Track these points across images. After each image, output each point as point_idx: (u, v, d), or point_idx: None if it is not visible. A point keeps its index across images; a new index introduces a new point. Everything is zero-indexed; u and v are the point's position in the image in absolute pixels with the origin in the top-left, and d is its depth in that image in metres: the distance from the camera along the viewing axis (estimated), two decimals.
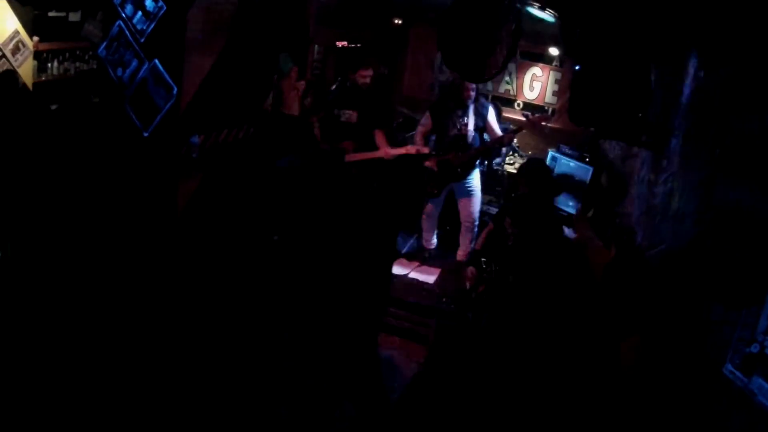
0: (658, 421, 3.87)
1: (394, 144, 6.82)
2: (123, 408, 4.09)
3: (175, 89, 5.24)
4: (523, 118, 7.85)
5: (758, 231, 3.22)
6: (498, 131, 6.69)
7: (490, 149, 7.40)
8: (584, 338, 4.57)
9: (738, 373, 3.09)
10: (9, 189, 5.22)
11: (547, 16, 4.85)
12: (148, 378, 4.34)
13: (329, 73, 9.49)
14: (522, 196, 5.22)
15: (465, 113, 6.53)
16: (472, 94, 6.46)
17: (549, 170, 5.27)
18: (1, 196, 5.16)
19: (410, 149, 6.46)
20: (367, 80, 6.25)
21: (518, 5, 4.59)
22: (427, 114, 6.81)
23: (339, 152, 6.31)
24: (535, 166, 5.42)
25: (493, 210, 7.34)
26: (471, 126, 6.52)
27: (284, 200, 6.91)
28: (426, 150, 6.45)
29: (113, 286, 5.06)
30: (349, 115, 6.38)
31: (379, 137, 6.47)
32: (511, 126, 7.39)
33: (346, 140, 6.37)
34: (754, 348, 3.00)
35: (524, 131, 7.36)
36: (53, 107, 7.49)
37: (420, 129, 6.88)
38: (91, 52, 8.25)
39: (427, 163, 6.67)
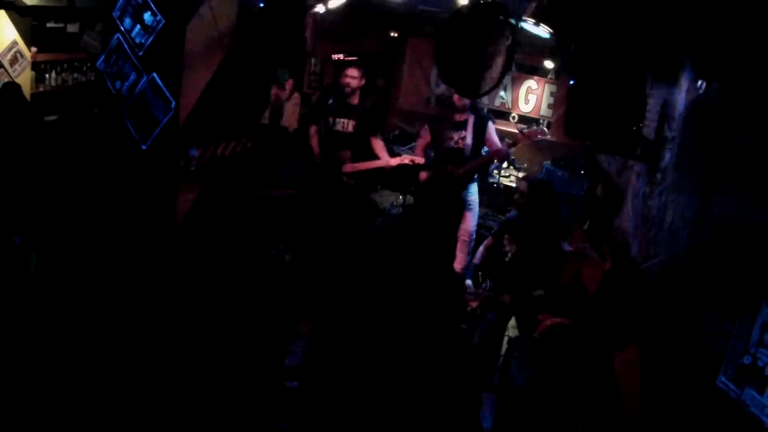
0: None
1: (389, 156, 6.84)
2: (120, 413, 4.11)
3: (174, 102, 5.27)
4: (517, 131, 7.91)
5: (752, 243, 3.25)
6: (498, 144, 6.70)
7: (486, 163, 7.43)
8: (580, 350, 4.58)
9: (731, 385, 3.11)
10: (10, 198, 5.25)
11: (541, 31, 4.89)
12: (145, 388, 4.34)
13: (326, 85, 9.56)
14: (522, 217, 5.23)
15: (463, 127, 6.55)
16: (466, 105, 6.48)
17: (551, 192, 5.26)
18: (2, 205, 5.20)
19: (405, 159, 6.49)
20: (349, 80, 6.26)
21: (514, 20, 4.63)
22: (426, 127, 6.83)
23: (336, 163, 6.33)
24: (539, 190, 5.34)
25: (490, 222, 7.36)
26: (468, 140, 6.53)
27: (284, 214, 6.94)
28: (421, 160, 6.48)
29: (112, 297, 5.07)
30: (345, 123, 6.40)
31: (378, 146, 6.49)
32: (507, 140, 7.44)
33: (343, 149, 6.39)
34: (747, 360, 3.01)
35: (520, 144, 7.38)
36: (53, 118, 7.53)
37: (420, 142, 6.90)
38: (89, 64, 8.30)
39: (423, 174, 6.69)
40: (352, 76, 6.26)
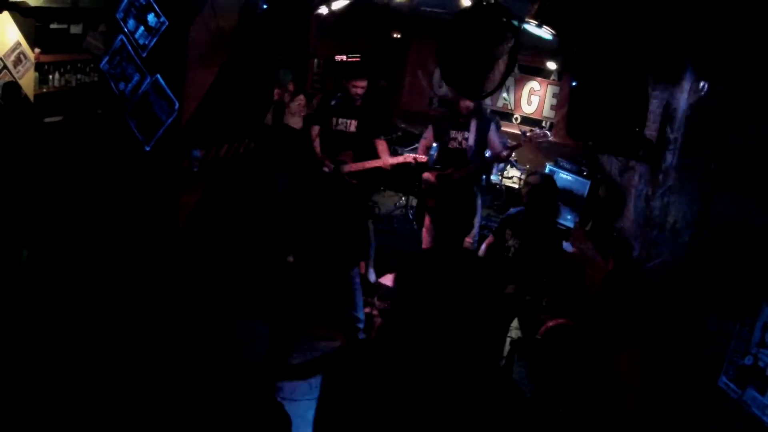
0: None
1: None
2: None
3: (177, 104, 5.28)
4: (520, 132, 7.89)
5: (753, 243, 3.26)
6: (499, 147, 6.69)
7: (489, 165, 7.43)
8: (582, 349, 4.60)
9: (732, 385, 3.12)
10: (11, 199, 5.27)
11: (544, 33, 4.90)
12: (145, 391, 4.35)
13: (329, 86, 9.57)
14: (525, 210, 5.25)
15: (466, 128, 6.54)
16: (470, 106, 6.48)
17: (556, 188, 5.29)
18: (4, 206, 5.20)
19: (408, 157, 6.49)
20: (359, 91, 6.26)
21: (517, 22, 4.64)
22: (430, 128, 6.82)
23: (338, 166, 6.33)
24: (543, 183, 5.38)
25: (492, 224, 7.36)
26: (471, 141, 6.53)
27: (285, 217, 6.95)
28: (424, 159, 6.47)
29: (114, 298, 5.08)
30: (347, 123, 6.40)
31: (381, 146, 6.50)
32: (510, 142, 7.43)
33: (345, 150, 6.38)
34: (748, 360, 3.02)
35: (521, 147, 7.38)
36: (58, 119, 7.54)
37: (423, 142, 6.89)
38: (92, 65, 8.32)
39: (426, 175, 6.69)
40: (362, 86, 6.27)
